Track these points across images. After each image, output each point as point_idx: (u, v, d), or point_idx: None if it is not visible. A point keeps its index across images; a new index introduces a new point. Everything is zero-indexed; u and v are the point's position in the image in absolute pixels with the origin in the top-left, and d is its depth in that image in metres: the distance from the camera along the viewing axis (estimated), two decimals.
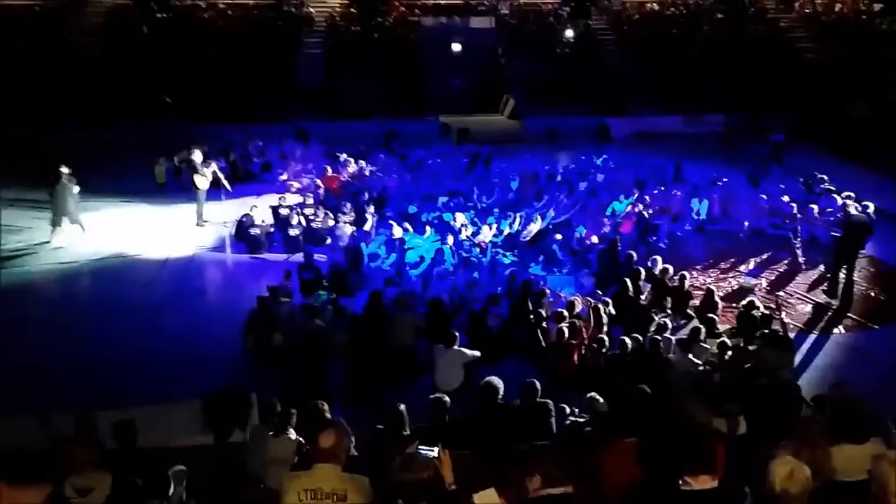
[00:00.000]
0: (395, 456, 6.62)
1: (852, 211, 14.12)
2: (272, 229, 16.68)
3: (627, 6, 31.66)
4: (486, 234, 15.95)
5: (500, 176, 19.85)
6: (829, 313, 13.70)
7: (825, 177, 18.29)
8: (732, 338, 11.55)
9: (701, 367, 10.45)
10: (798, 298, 14.34)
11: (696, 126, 26.36)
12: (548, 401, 8.43)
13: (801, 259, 15.66)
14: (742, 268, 15.67)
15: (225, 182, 17.95)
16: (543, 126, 25.97)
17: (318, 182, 19.02)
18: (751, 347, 10.86)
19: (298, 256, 15.09)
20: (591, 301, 13.00)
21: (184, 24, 27.94)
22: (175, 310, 13.64)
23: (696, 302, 13.40)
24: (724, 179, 18.72)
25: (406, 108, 26.45)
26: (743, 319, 12.08)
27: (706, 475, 4.92)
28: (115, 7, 28.40)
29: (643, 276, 13.37)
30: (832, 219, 15.86)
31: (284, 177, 20.04)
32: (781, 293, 14.52)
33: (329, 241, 16.23)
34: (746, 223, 17.06)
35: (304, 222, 16.52)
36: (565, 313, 11.70)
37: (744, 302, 12.51)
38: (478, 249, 15.37)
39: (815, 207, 16.63)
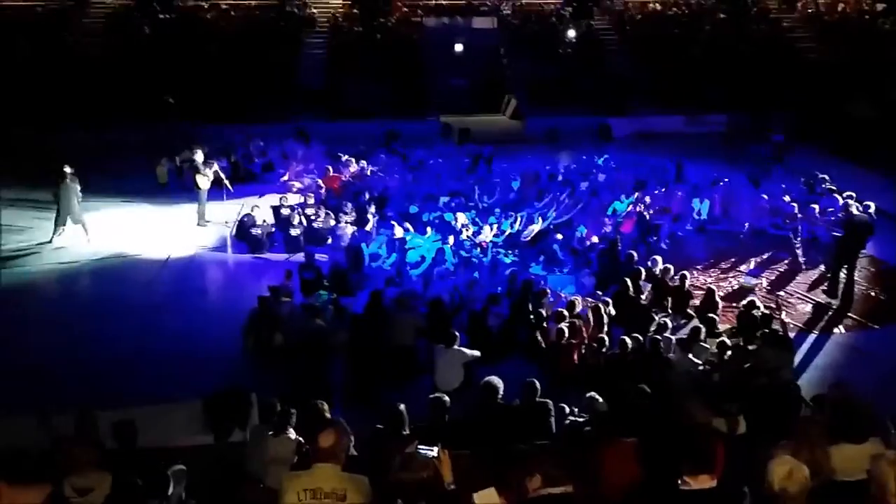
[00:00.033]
0: (394, 456, 6.63)
1: (853, 211, 14.10)
2: (273, 229, 16.69)
3: (629, 6, 31.64)
4: (487, 234, 15.95)
5: (501, 176, 19.85)
6: (830, 313, 13.70)
7: (826, 177, 18.28)
8: (732, 337, 11.55)
9: (701, 367, 10.45)
10: (798, 298, 14.34)
11: (697, 126, 26.35)
12: (547, 400, 8.44)
13: (801, 259, 15.66)
14: (743, 268, 15.66)
15: (226, 182, 17.98)
16: (545, 126, 25.96)
17: (320, 182, 19.04)
18: (751, 347, 10.87)
19: (299, 256, 15.11)
20: (592, 301, 13.00)
21: (186, 25, 27.97)
22: (176, 309, 13.65)
23: (697, 302, 13.39)
24: (726, 179, 18.70)
25: (408, 108, 26.46)
26: (743, 319, 12.08)
27: (705, 475, 4.91)
28: (117, 7, 28.43)
29: (643, 276, 13.36)
30: (833, 219, 15.84)
31: (286, 177, 20.06)
32: (782, 293, 14.52)
33: (330, 240, 16.25)
34: (747, 224, 17.02)
35: (305, 222, 16.55)
36: (565, 313, 11.71)
37: (744, 302, 12.51)
38: (478, 249, 15.38)
39: (817, 207, 16.62)
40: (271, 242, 16.46)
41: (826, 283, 14.48)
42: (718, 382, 10.19)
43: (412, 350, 11.51)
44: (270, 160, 21.58)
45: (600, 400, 8.39)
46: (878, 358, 12.03)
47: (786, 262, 15.80)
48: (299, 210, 17.03)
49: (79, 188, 16.49)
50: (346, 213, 17.02)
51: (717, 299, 13.20)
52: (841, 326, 13.26)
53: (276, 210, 17.26)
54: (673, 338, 11.14)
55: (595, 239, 15.63)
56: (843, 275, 14.16)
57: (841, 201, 16.07)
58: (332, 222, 16.65)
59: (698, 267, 15.57)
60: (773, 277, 15.27)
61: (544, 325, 11.84)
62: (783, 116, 24.56)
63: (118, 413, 7.83)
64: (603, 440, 6.85)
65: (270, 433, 7.73)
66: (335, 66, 27.99)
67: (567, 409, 8.77)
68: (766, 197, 17.68)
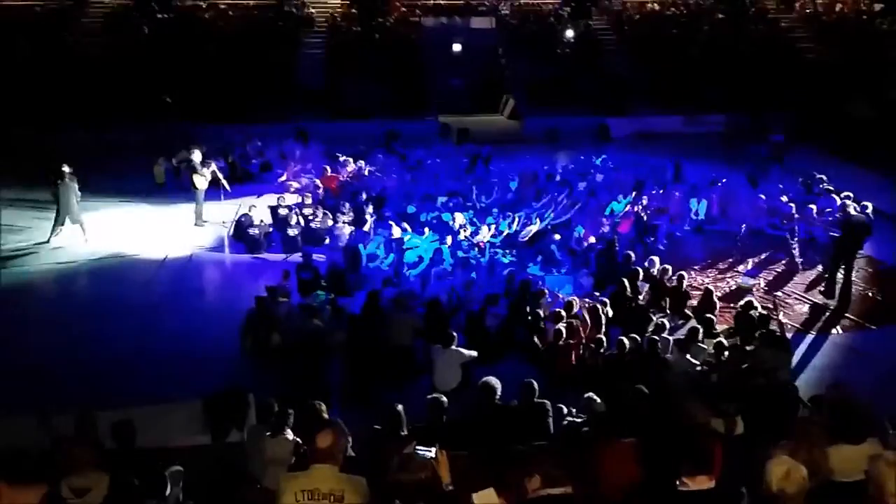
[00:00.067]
0: (392, 456, 6.62)
1: (851, 211, 14.09)
2: (271, 229, 16.69)
3: (628, 6, 31.66)
4: (485, 235, 15.95)
5: (499, 176, 19.83)
6: (827, 314, 13.68)
7: (824, 177, 18.28)
8: (730, 338, 11.55)
9: (699, 368, 10.45)
10: (796, 299, 14.33)
11: (695, 126, 26.36)
12: (545, 401, 8.44)
13: (798, 259, 15.65)
14: (740, 268, 15.66)
15: (224, 182, 17.97)
16: (543, 126, 25.96)
17: (317, 182, 19.02)
18: (748, 348, 10.87)
19: (297, 256, 15.11)
20: (589, 301, 13.00)
21: (184, 25, 27.95)
22: (173, 310, 13.64)
23: (695, 302, 13.39)
24: (724, 180, 18.69)
25: (406, 108, 26.45)
26: (741, 320, 12.08)
27: (703, 475, 4.93)
28: (115, 7, 28.41)
29: (641, 277, 13.37)
30: (831, 219, 15.83)
31: (284, 177, 20.05)
32: (779, 293, 14.52)
33: (328, 241, 16.24)
34: (744, 226, 16.99)
35: (302, 222, 16.53)
36: (563, 313, 11.71)
37: (742, 302, 12.51)
38: (476, 250, 15.38)
39: (814, 207, 16.61)
40: (269, 242, 16.45)
41: (823, 284, 14.48)
42: (716, 383, 10.21)
43: (410, 350, 11.51)
44: (268, 160, 21.56)
45: (598, 400, 8.40)
46: (875, 358, 12.02)
47: (783, 262, 15.79)
48: (297, 210, 17.02)
49: (77, 188, 16.48)
50: (343, 214, 17.01)
51: (715, 300, 13.18)
52: (838, 327, 13.25)
53: (273, 210, 17.25)
54: (671, 338, 11.14)
55: (592, 239, 15.63)
56: (840, 275, 14.16)
57: (839, 201, 16.02)
58: (330, 222, 16.64)
59: (696, 267, 15.57)
60: (770, 278, 15.26)
61: (542, 325, 11.83)
62: (782, 116, 24.60)
63: (116, 413, 7.82)
64: (601, 441, 6.85)
65: (268, 434, 7.73)
66: (333, 66, 27.98)
67: (565, 410, 8.77)
68: (763, 197, 17.67)
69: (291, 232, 16.21)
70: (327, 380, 10.79)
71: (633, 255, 14.33)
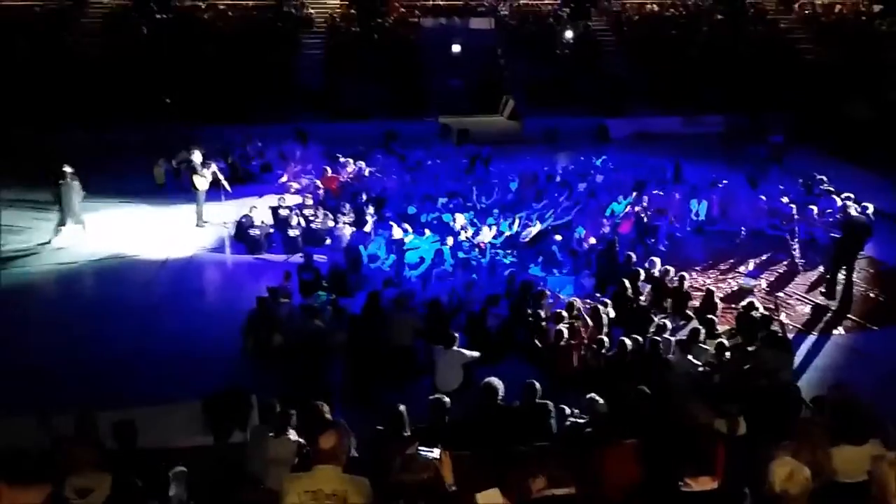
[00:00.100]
0: (395, 457, 6.62)
1: (852, 212, 14.09)
2: (272, 230, 16.69)
3: (627, 7, 31.68)
4: (486, 235, 15.95)
5: (499, 177, 19.83)
6: (829, 314, 13.69)
7: (825, 178, 18.29)
8: (731, 338, 11.55)
9: (700, 368, 10.45)
10: (797, 299, 14.34)
11: (695, 127, 26.38)
12: (547, 402, 8.43)
13: (798, 260, 15.65)
14: (741, 269, 15.66)
15: (224, 183, 17.95)
16: (543, 127, 25.97)
17: (318, 183, 19.03)
18: (750, 348, 10.86)
19: (298, 257, 15.10)
20: (591, 302, 13.00)
21: (183, 25, 27.95)
22: (175, 310, 13.64)
23: (696, 303, 13.39)
24: (725, 181, 18.65)
25: (405, 108, 26.47)
26: (742, 320, 12.07)
27: (706, 476, 4.92)
28: (114, 8, 28.41)
29: (642, 278, 13.37)
30: (831, 220, 15.84)
31: (284, 178, 20.04)
32: (781, 294, 14.52)
33: (328, 241, 16.24)
34: (743, 229, 16.98)
35: (303, 223, 16.53)
36: (564, 314, 11.70)
37: (743, 303, 12.50)
38: (477, 250, 15.37)
39: (815, 208, 16.62)
40: (270, 243, 16.45)
41: (824, 285, 14.48)
42: (718, 383, 10.20)
43: (411, 351, 11.50)
44: (268, 161, 21.57)
45: (600, 401, 8.39)
46: (877, 359, 12.02)
47: (785, 263, 15.79)
48: (297, 211, 17.02)
49: (80, 187, 16.47)
50: (344, 214, 17.01)
51: (717, 300, 13.18)
52: (840, 328, 13.25)
53: (274, 211, 17.25)
54: (672, 339, 11.14)
55: (593, 240, 15.62)
56: (841, 276, 14.16)
57: (839, 202, 16.04)
58: (331, 223, 16.64)
59: (697, 268, 15.57)
60: (772, 279, 15.27)
61: (543, 326, 11.83)
62: (781, 117, 24.62)
63: (118, 413, 7.81)
64: (603, 441, 6.86)
65: (271, 434, 7.72)
66: (333, 67, 28.00)
67: (567, 411, 8.76)
68: (764, 198, 17.67)
69: (292, 233, 16.21)
70: (328, 380, 10.79)
71: (633, 255, 14.33)
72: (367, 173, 19.74)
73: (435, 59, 28.55)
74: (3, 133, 21.31)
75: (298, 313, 12.09)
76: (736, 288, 14.80)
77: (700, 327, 11.48)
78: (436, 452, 5.31)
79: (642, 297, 13.00)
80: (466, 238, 15.83)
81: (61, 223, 16.37)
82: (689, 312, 13.04)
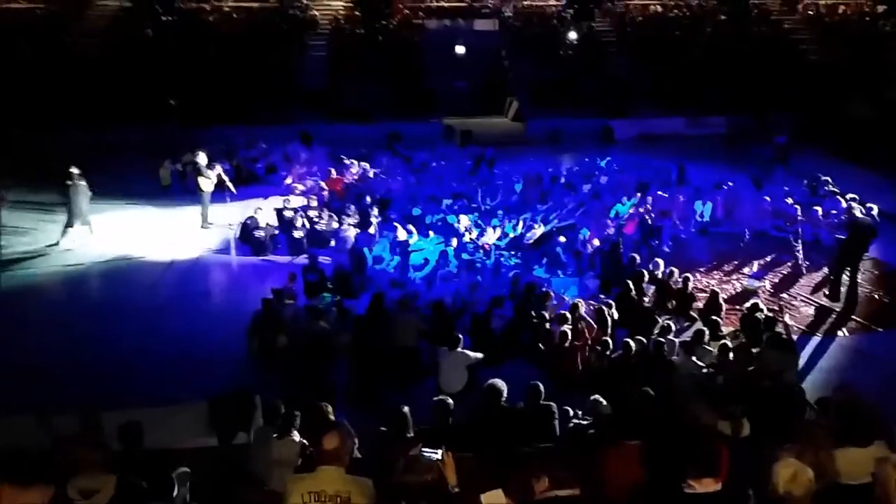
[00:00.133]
0: (398, 458, 6.62)
1: (857, 213, 14.06)
2: (276, 231, 16.71)
3: (630, 8, 31.65)
4: (490, 237, 15.95)
5: (503, 178, 19.84)
6: (833, 316, 13.67)
7: (829, 179, 18.25)
8: (735, 340, 11.52)
9: (704, 370, 10.44)
10: (802, 301, 14.32)
11: (699, 128, 26.35)
12: (551, 403, 8.43)
13: (801, 262, 15.62)
14: (746, 270, 15.64)
15: (229, 184, 17.98)
16: (547, 128, 25.96)
17: (323, 184, 19.04)
18: (754, 350, 10.84)
19: (303, 259, 15.12)
20: (595, 303, 12.99)
21: (188, 27, 27.98)
22: (180, 312, 13.67)
23: (700, 304, 13.37)
24: (730, 183, 18.59)
25: (410, 110, 26.48)
26: (747, 322, 12.06)
27: (709, 478, 4.93)
28: (119, 9, 28.45)
29: (646, 279, 13.36)
30: (836, 221, 15.82)
31: (289, 180, 20.05)
32: (785, 295, 14.50)
33: (333, 243, 16.25)
34: (747, 232, 16.93)
35: (308, 225, 16.55)
36: (568, 316, 11.69)
37: (747, 304, 12.49)
38: (481, 252, 15.38)
39: (820, 209, 16.60)
40: (274, 245, 16.46)
41: (828, 287, 14.44)
42: (722, 385, 10.18)
43: (415, 352, 11.51)
44: (273, 162, 21.59)
45: (604, 403, 8.39)
46: (881, 361, 12.00)
47: (789, 264, 15.76)
48: (302, 212, 17.05)
49: (88, 188, 16.51)
50: (349, 216, 17.03)
51: (721, 302, 13.17)
52: (844, 329, 13.23)
53: (279, 212, 17.28)
54: (676, 340, 11.13)
55: (596, 242, 15.59)
56: (845, 278, 14.14)
57: (844, 204, 16.02)
58: (335, 224, 16.66)
59: (701, 269, 15.55)
60: (776, 280, 15.24)
61: (547, 327, 11.82)
62: (785, 118, 24.57)
63: (123, 414, 7.84)
64: (607, 443, 6.86)
65: (274, 435, 7.74)
66: (337, 68, 28.00)
67: (571, 412, 8.76)
68: (768, 199, 17.64)
69: (297, 234, 16.24)
70: (333, 381, 10.81)
71: (637, 257, 14.32)
72: (371, 175, 19.76)
73: (439, 61, 28.52)
74: (7, 134, 21.35)
75: (303, 315, 12.11)
76: (740, 289, 14.78)
77: (704, 329, 11.46)
78: (439, 454, 5.32)
79: (646, 299, 12.99)
80: (471, 239, 15.84)
81: (69, 224, 16.41)
82: (694, 314, 13.04)
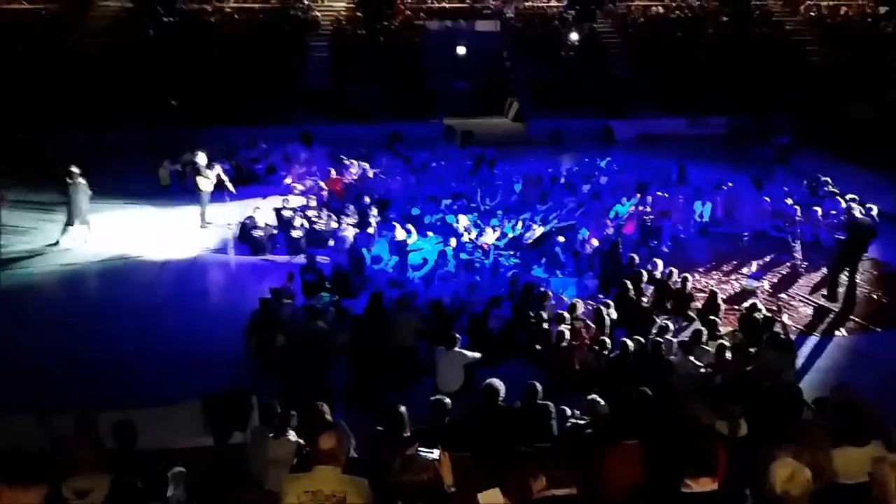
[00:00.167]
0: (395, 458, 6.61)
1: (856, 214, 14.04)
2: (275, 231, 16.71)
3: (632, 9, 31.63)
4: (489, 237, 15.94)
5: (503, 178, 19.83)
6: (832, 316, 13.66)
7: (829, 179, 18.23)
8: (734, 340, 11.51)
9: (702, 370, 10.42)
10: (800, 301, 14.30)
11: (699, 128, 26.33)
12: (549, 403, 8.41)
13: (798, 262, 15.59)
14: (745, 270, 15.61)
15: (229, 184, 17.98)
16: (547, 129, 25.96)
17: (322, 184, 19.03)
18: (752, 350, 10.83)
19: (301, 258, 15.11)
20: (593, 303, 12.98)
21: (189, 27, 27.97)
22: (178, 311, 13.66)
23: (699, 304, 13.36)
24: (730, 184, 18.56)
25: (410, 110, 26.48)
26: (745, 322, 12.04)
27: (707, 477, 4.90)
28: (120, 10, 28.45)
29: (645, 279, 13.34)
30: (836, 221, 15.80)
31: (288, 180, 20.04)
32: (784, 295, 14.48)
33: (332, 243, 16.24)
34: (745, 235, 16.91)
35: (306, 224, 16.54)
36: (567, 315, 11.68)
37: (746, 304, 12.47)
38: (480, 252, 15.37)
39: (819, 210, 16.58)
40: (273, 244, 16.46)
41: (826, 288, 14.41)
42: (720, 385, 10.17)
43: (413, 351, 11.50)
44: (273, 162, 21.58)
45: (602, 402, 8.37)
46: (879, 361, 11.99)
47: (788, 264, 15.75)
48: (301, 212, 17.04)
49: (88, 187, 16.51)
50: (348, 216, 17.02)
51: (720, 302, 13.15)
52: (843, 329, 13.21)
53: (278, 212, 17.27)
54: (675, 340, 11.11)
55: (595, 242, 15.57)
56: (844, 278, 14.12)
57: (844, 204, 16.00)
58: (334, 224, 16.66)
59: (700, 269, 15.53)
60: (775, 280, 15.23)
61: (545, 327, 11.81)
62: (786, 119, 24.55)
63: (119, 414, 7.81)
64: (605, 443, 6.84)
65: (271, 435, 7.72)
66: (338, 69, 28.00)
67: (568, 412, 8.74)
68: (768, 199, 17.63)
69: (296, 234, 16.23)
70: (331, 381, 10.79)
71: (636, 257, 14.31)
72: (371, 175, 19.75)
73: (440, 62, 28.51)
74: (7, 135, 21.35)
75: (301, 314, 12.10)
76: (739, 289, 14.76)
77: (702, 328, 11.45)
78: (435, 453, 5.30)
79: (645, 299, 12.98)
80: (470, 239, 15.83)
81: (69, 223, 16.41)
82: (692, 314, 13.02)
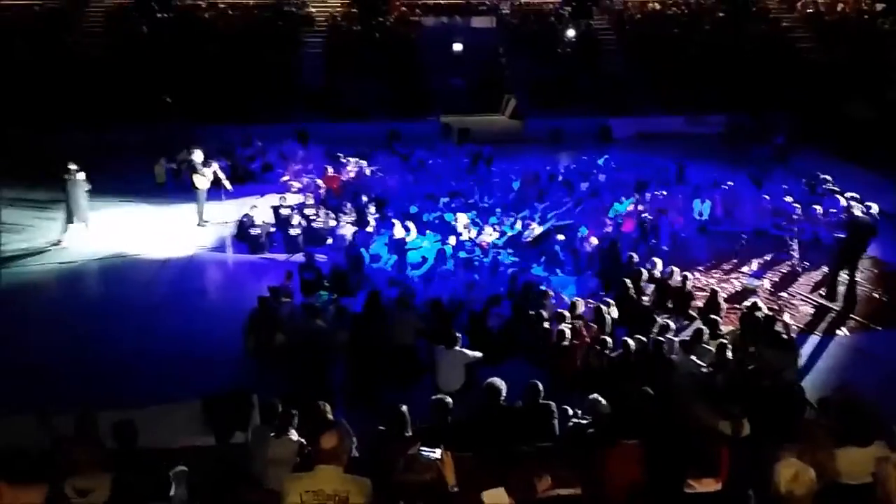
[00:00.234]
0: (396, 457, 6.59)
1: (856, 212, 14.03)
2: (273, 229, 16.66)
3: (629, 6, 31.65)
4: (488, 235, 15.91)
5: (501, 176, 19.81)
6: (833, 315, 13.64)
7: (828, 177, 18.23)
8: (735, 339, 11.49)
9: (704, 369, 10.40)
10: (802, 300, 14.29)
11: (698, 126, 26.32)
12: (550, 402, 8.38)
13: (796, 261, 15.58)
14: (745, 269, 15.60)
15: (225, 182, 17.95)
16: (545, 126, 25.95)
17: (319, 182, 18.99)
18: (753, 349, 10.81)
19: (299, 256, 15.07)
20: (594, 302, 12.96)
21: (184, 24, 27.94)
22: (176, 310, 13.61)
23: (699, 303, 13.34)
24: (730, 183, 18.52)
25: (407, 108, 26.47)
26: (746, 321, 12.03)
27: (710, 477, 4.90)
28: (115, 7, 28.40)
29: (645, 278, 13.32)
30: (835, 220, 15.79)
31: (286, 177, 20.00)
32: (785, 294, 14.47)
33: (330, 241, 16.21)
34: (745, 235, 16.88)
35: (304, 222, 16.51)
36: (567, 314, 11.65)
37: (747, 303, 12.46)
38: (479, 250, 15.34)
39: (819, 208, 16.57)
40: (271, 243, 16.42)
41: (825, 287, 14.39)
42: (722, 384, 10.15)
43: (412, 350, 11.46)
44: (269, 160, 21.54)
45: (603, 402, 8.35)
46: (881, 360, 11.98)
47: (788, 263, 15.73)
48: (299, 210, 17.00)
49: (86, 184, 16.46)
50: (345, 214, 16.99)
51: (721, 301, 13.13)
52: (844, 328, 13.20)
53: (275, 210, 17.23)
54: (676, 339, 11.09)
55: (594, 241, 15.54)
56: (844, 277, 14.11)
57: (843, 202, 15.99)
58: (332, 222, 16.62)
59: (700, 268, 15.51)
60: (775, 279, 15.21)
61: (546, 326, 11.78)
62: (784, 117, 24.56)
63: (119, 413, 7.77)
64: (606, 442, 6.82)
65: (272, 434, 7.68)
66: (334, 66, 27.98)
67: (570, 411, 8.72)
68: (767, 197, 17.62)
69: (293, 232, 16.19)
70: (330, 380, 10.76)
71: (635, 255, 14.28)
72: (368, 173, 19.71)
73: (436, 58, 28.52)
74: (4, 133, 21.28)
75: (300, 313, 12.04)
76: (739, 288, 14.75)
77: (703, 328, 11.43)
78: (437, 453, 5.29)
79: (645, 298, 12.96)
80: (468, 238, 15.80)
81: (69, 220, 16.37)
82: (693, 313, 13.00)
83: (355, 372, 11.05)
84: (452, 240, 15.53)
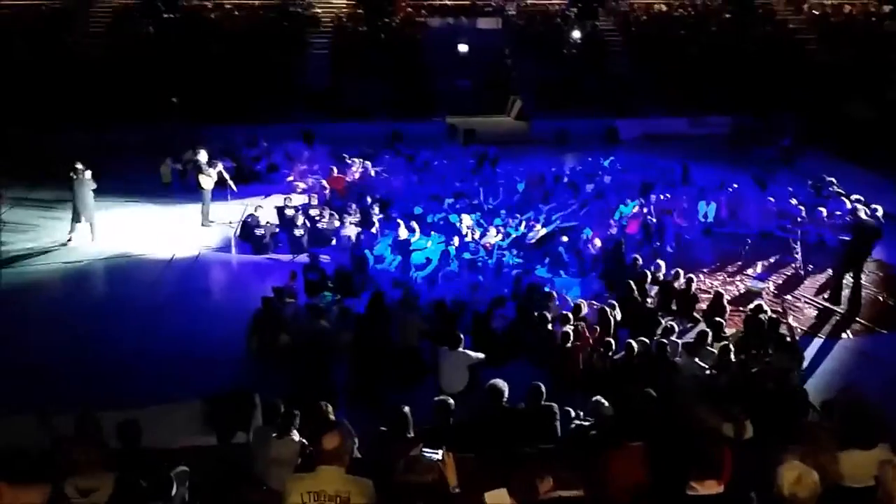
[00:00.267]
0: (399, 458, 6.59)
1: (862, 215, 13.97)
2: (277, 230, 16.67)
3: (634, 7, 31.60)
4: (492, 236, 15.90)
5: (506, 177, 19.78)
6: (837, 317, 13.57)
7: (833, 180, 18.18)
8: (739, 341, 11.46)
9: (707, 371, 10.38)
10: (806, 302, 14.24)
11: (703, 128, 26.26)
12: (553, 404, 8.37)
13: (800, 263, 15.53)
14: (749, 271, 15.55)
15: (230, 182, 17.97)
16: (551, 127, 25.93)
17: (324, 183, 19.00)
18: (757, 351, 10.79)
19: (304, 257, 15.08)
20: (597, 304, 12.93)
21: (190, 25, 27.98)
22: (180, 310, 13.62)
23: (704, 305, 13.31)
24: (735, 185, 18.44)
25: (412, 108, 26.46)
26: (750, 323, 11.99)
27: (712, 480, 4.87)
28: (121, 7, 28.45)
29: (650, 280, 13.29)
30: (840, 222, 15.73)
31: (291, 178, 20.01)
32: (789, 297, 14.42)
33: (334, 241, 16.21)
34: (749, 240, 16.81)
35: (309, 223, 16.51)
36: (570, 316, 11.63)
37: (751, 306, 12.42)
38: (483, 251, 15.33)
39: (824, 210, 16.51)
40: (275, 243, 16.43)
41: (830, 290, 14.34)
42: (725, 386, 10.13)
43: (416, 351, 11.46)
44: (274, 161, 21.55)
45: (606, 404, 8.32)
46: (885, 363, 11.92)
47: (793, 265, 15.68)
48: (303, 211, 17.01)
49: (93, 184, 16.49)
50: (350, 214, 16.98)
51: (725, 303, 13.09)
52: (849, 331, 13.13)
53: (280, 211, 17.24)
54: (679, 341, 11.07)
55: (598, 243, 15.50)
56: (849, 280, 14.06)
57: (848, 205, 15.92)
58: (337, 223, 16.62)
59: (705, 270, 15.46)
60: (780, 281, 15.16)
61: (549, 327, 11.76)
62: (789, 118, 24.48)
63: (121, 413, 7.80)
64: (609, 444, 6.80)
65: (274, 435, 7.69)
66: (339, 67, 27.99)
67: (573, 413, 8.70)
68: (772, 199, 17.57)
69: (298, 233, 16.21)
70: (333, 380, 10.76)
71: (639, 258, 14.25)
72: (373, 173, 19.71)
73: (442, 59, 28.50)
74: (8, 133, 21.33)
75: (304, 313, 12.06)
76: (744, 291, 14.70)
77: (707, 330, 11.40)
78: (440, 454, 5.28)
79: (650, 300, 12.93)
80: (473, 239, 15.79)
81: (76, 220, 16.40)
82: (697, 315, 12.97)
83: (358, 373, 11.04)
84: (457, 241, 15.51)
